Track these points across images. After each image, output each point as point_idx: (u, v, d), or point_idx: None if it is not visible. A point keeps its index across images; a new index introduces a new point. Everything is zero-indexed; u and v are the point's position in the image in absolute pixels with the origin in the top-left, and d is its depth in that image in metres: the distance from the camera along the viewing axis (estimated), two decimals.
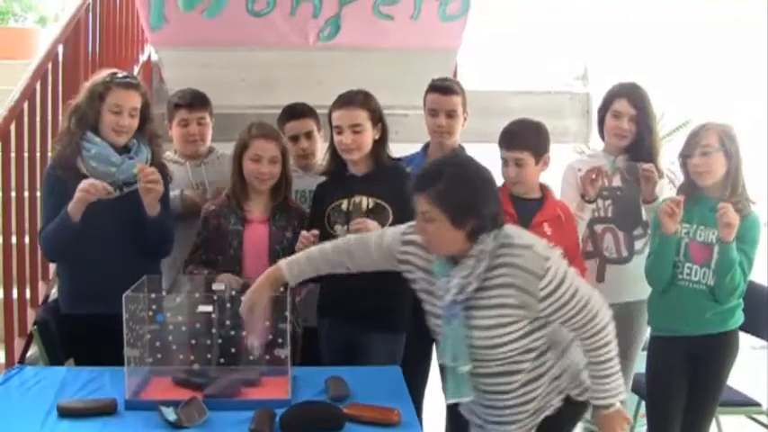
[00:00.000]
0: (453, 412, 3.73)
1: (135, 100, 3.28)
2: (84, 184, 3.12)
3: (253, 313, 2.82)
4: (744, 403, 3.97)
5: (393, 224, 3.22)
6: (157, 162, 3.41)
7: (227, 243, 3.35)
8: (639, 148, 3.66)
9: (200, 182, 3.79)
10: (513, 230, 2.60)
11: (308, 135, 3.75)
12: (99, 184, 3.13)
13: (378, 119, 3.34)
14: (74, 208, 3.14)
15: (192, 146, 3.81)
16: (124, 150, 3.31)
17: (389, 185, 3.29)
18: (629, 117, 3.66)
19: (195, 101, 3.79)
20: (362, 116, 3.29)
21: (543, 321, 2.58)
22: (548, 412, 2.71)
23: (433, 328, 2.73)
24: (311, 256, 2.88)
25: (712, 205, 3.29)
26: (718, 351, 3.41)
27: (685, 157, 3.38)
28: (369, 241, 2.85)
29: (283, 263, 2.86)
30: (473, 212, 2.50)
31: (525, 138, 3.32)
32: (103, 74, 3.32)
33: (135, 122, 3.30)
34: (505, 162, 3.36)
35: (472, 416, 2.86)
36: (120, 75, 3.31)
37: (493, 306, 2.55)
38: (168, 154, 3.83)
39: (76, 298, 3.32)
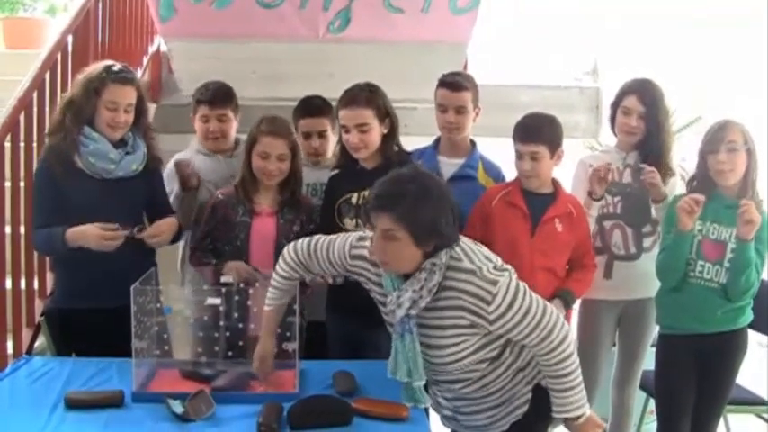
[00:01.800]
0: None
1: (130, 96, 3.25)
2: (99, 241, 3.11)
3: (266, 364, 2.84)
4: (752, 401, 3.95)
5: None
6: (152, 155, 3.39)
7: (233, 234, 3.34)
8: (649, 145, 3.64)
9: (234, 174, 3.73)
10: (462, 251, 2.54)
11: (321, 134, 3.70)
12: (112, 238, 3.12)
13: (385, 114, 3.31)
14: (73, 241, 3.12)
15: (213, 143, 3.77)
16: (120, 144, 3.28)
17: None
18: (638, 114, 3.63)
19: (216, 98, 3.74)
20: (368, 115, 3.26)
21: (497, 334, 2.56)
22: (519, 401, 2.70)
23: (386, 317, 2.71)
24: (279, 287, 2.84)
25: (727, 203, 3.27)
26: (728, 349, 3.40)
27: (707, 152, 3.33)
28: (318, 254, 2.79)
29: (267, 308, 2.84)
30: (436, 231, 2.48)
31: (541, 131, 3.30)
32: (98, 67, 3.26)
33: (130, 118, 3.27)
34: (520, 156, 3.33)
35: (443, 409, 2.88)
36: (114, 68, 3.25)
37: (445, 327, 2.54)
38: (195, 145, 3.83)
39: (74, 294, 3.29)
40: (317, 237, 2.85)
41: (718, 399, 3.44)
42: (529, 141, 3.30)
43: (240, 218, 3.34)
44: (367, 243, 2.64)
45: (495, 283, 2.46)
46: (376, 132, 3.28)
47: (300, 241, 2.85)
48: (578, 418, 2.59)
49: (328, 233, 3.29)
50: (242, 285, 2.97)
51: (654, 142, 3.63)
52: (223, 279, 2.99)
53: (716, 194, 3.33)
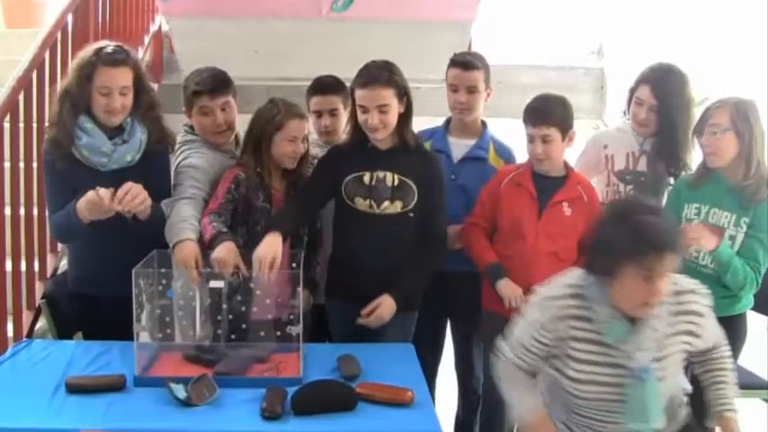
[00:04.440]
0: (466, 390, 3.72)
1: (124, 77, 3.04)
2: (88, 206, 2.93)
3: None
4: (756, 386, 3.89)
5: (417, 204, 3.18)
6: (156, 137, 3.19)
7: (253, 219, 3.22)
8: (662, 141, 3.51)
9: None
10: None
11: (332, 113, 3.59)
12: (98, 205, 2.91)
13: (403, 93, 3.19)
14: (81, 213, 2.96)
15: (220, 137, 3.43)
16: (117, 132, 3.12)
17: (414, 163, 3.20)
18: (649, 107, 3.49)
19: (217, 85, 3.39)
20: (388, 95, 3.12)
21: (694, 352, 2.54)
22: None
23: (591, 376, 2.50)
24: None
25: (727, 186, 3.20)
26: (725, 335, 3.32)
27: (697, 135, 3.28)
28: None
29: None
30: None
31: (552, 113, 3.24)
32: (89, 51, 3.08)
33: (128, 100, 3.07)
34: (531, 139, 3.27)
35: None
36: (106, 50, 3.06)
37: (666, 356, 2.44)
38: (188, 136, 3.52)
39: (86, 278, 3.22)
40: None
41: None
42: (540, 124, 3.24)
43: (261, 203, 3.23)
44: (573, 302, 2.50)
45: (707, 296, 2.45)
46: (395, 112, 3.16)
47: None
48: (736, 411, 2.56)
49: (314, 197, 3.25)
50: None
51: (666, 138, 3.49)
52: (212, 284, 2.87)
53: (717, 177, 3.26)
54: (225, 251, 2.90)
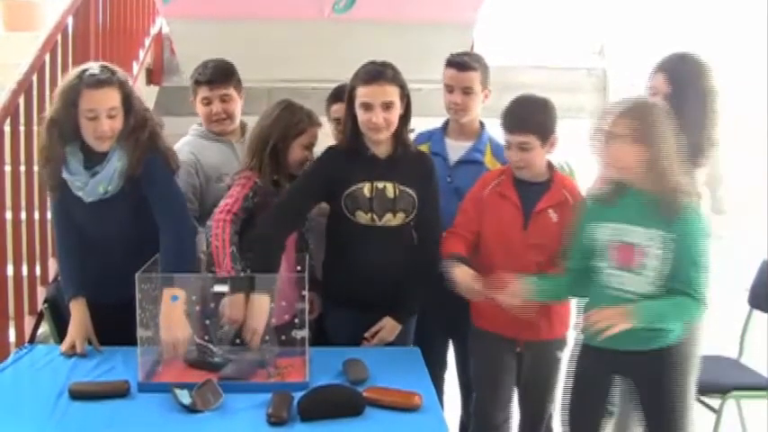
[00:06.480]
0: (469, 394, 3.69)
1: (111, 98, 2.88)
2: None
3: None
4: (763, 386, 3.85)
5: (417, 213, 3.12)
6: (139, 159, 2.96)
7: None
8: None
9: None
10: None
11: None
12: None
13: (405, 94, 3.11)
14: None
15: (218, 125, 3.51)
16: (101, 159, 2.96)
17: (412, 169, 3.13)
18: (663, 95, 3.15)
19: (216, 77, 3.46)
20: (394, 92, 3.04)
21: None
22: None
23: None
24: None
25: (643, 199, 2.76)
26: (657, 369, 2.84)
27: (592, 145, 2.88)
28: None
29: None
30: None
31: (529, 119, 3.03)
32: (73, 74, 2.95)
33: (117, 123, 2.91)
34: (509, 146, 3.08)
35: None
36: (89, 72, 2.88)
37: None
38: (197, 130, 3.57)
39: (85, 283, 3.09)
40: None
41: (669, 418, 2.86)
42: (516, 131, 3.03)
43: None
44: None
45: None
46: (398, 112, 3.07)
47: None
48: None
49: (305, 206, 3.16)
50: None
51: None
52: (217, 288, 2.87)
53: (631, 191, 2.81)
54: (235, 309, 2.89)
